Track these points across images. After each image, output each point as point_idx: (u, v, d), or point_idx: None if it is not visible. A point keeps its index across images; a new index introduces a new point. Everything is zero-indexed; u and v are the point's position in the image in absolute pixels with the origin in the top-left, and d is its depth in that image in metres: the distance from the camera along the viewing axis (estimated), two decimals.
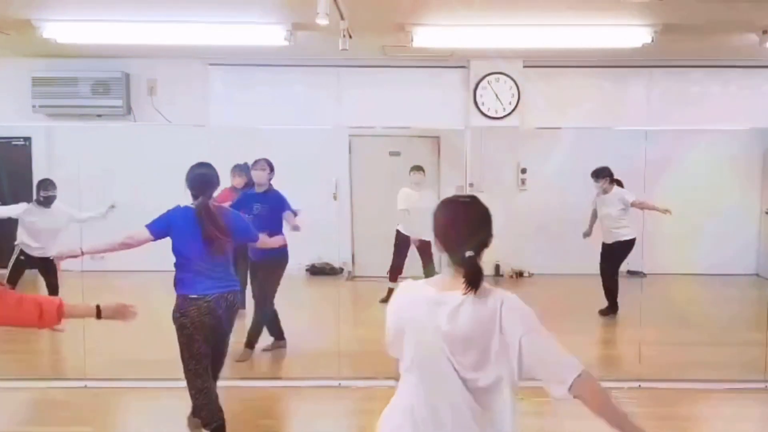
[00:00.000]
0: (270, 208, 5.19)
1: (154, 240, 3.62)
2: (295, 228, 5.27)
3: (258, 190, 5.35)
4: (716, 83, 7.58)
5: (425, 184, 7.12)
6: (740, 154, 8.15)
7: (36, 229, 5.87)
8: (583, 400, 1.73)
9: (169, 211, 3.66)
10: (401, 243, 7.03)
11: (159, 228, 3.62)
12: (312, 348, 5.81)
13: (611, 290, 6.78)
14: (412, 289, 1.96)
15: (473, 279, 1.81)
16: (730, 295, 7.56)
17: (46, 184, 5.93)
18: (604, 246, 6.75)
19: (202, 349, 3.54)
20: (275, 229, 5.04)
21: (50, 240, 5.87)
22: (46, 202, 5.86)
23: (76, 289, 6.44)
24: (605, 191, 6.66)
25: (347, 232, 8.13)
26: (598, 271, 6.81)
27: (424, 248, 6.85)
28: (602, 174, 6.61)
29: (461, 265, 1.84)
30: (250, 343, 5.42)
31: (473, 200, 1.96)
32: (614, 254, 6.67)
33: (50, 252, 5.64)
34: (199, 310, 3.51)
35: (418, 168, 7.04)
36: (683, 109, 7.51)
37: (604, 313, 6.79)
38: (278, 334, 5.68)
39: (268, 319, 5.53)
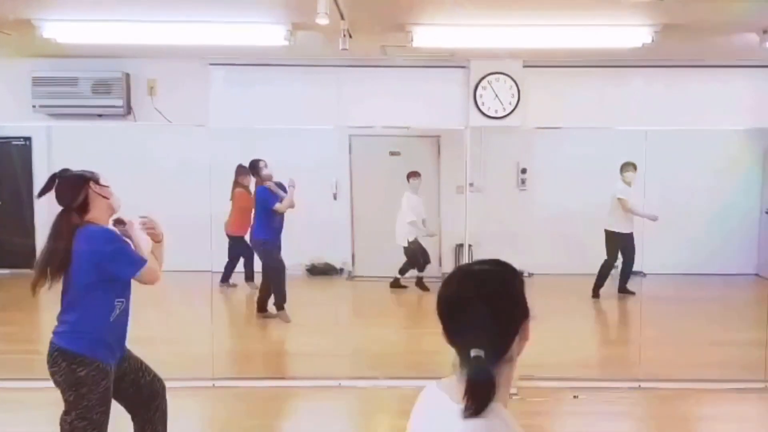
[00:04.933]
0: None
1: None
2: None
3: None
4: (716, 83, 7.56)
5: (421, 188, 7.74)
6: (740, 154, 8.15)
7: None
8: None
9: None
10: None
11: None
12: (312, 348, 5.82)
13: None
14: (427, 398, 1.41)
15: (474, 393, 1.22)
16: (730, 295, 7.56)
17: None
18: (628, 236, 6.84)
19: None
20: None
21: None
22: None
23: None
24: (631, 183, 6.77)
25: (347, 232, 8.13)
26: (598, 270, 6.82)
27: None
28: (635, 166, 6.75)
29: (465, 367, 1.26)
30: (279, 305, 6.18)
31: (492, 270, 1.33)
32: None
33: None
34: None
35: (416, 173, 7.60)
36: (683, 109, 7.50)
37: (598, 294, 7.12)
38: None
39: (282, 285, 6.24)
